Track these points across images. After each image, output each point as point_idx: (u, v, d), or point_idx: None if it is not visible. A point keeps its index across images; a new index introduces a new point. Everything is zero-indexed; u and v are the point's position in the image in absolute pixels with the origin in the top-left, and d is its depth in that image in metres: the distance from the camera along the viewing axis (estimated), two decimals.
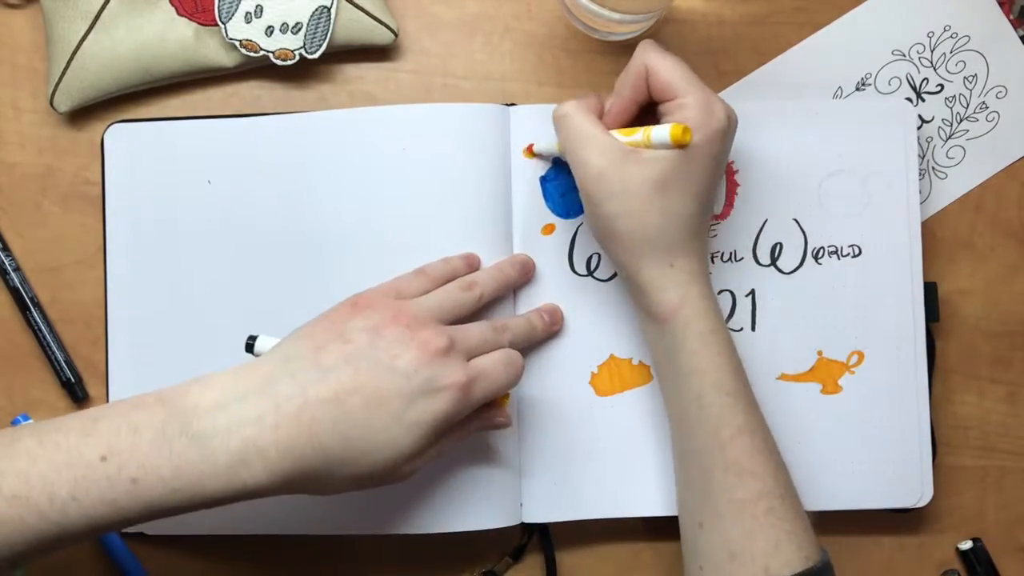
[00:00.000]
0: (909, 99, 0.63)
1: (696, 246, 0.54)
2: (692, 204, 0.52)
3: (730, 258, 0.61)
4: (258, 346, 0.54)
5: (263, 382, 0.46)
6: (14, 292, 0.62)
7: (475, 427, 0.53)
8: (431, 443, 0.49)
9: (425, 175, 0.58)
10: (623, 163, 0.52)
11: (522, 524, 0.60)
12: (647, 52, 0.53)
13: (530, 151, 0.60)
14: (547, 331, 0.59)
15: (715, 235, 0.61)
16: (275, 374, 0.47)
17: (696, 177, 0.52)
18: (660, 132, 0.51)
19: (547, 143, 0.59)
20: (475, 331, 0.52)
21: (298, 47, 0.60)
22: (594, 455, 0.60)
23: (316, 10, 0.60)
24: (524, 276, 0.59)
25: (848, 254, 0.61)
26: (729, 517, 0.52)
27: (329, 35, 0.60)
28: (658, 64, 0.53)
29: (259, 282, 0.60)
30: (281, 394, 0.46)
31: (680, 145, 0.51)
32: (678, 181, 0.52)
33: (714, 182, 0.54)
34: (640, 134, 0.52)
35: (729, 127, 0.53)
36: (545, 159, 0.60)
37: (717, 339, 0.53)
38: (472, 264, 0.58)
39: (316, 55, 0.60)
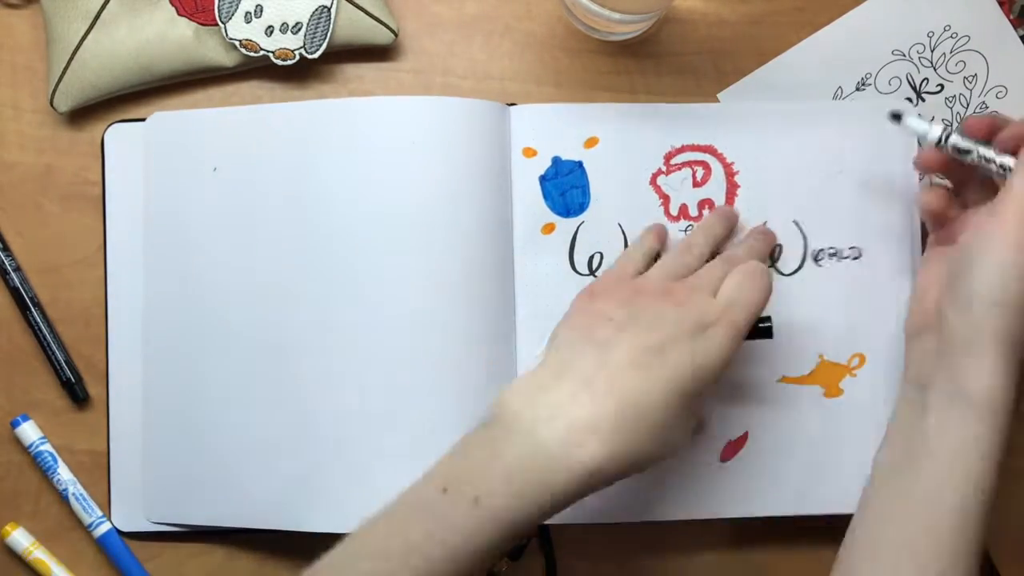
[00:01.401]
0: (909, 99, 0.63)
1: None
2: None
3: None
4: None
5: (560, 368, 0.47)
6: (14, 292, 0.62)
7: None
8: (716, 379, 0.48)
9: (425, 168, 0.58)
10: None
11: None
12: None
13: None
14: (760, 250, 0.58)
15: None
16: (567, 361, 0.47)
17: None
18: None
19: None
20: (705, 273, 0.53)
21: (298, 47, 0.60)
22: None
23: (316, 10, 0.60)
24: (727, 228, 0.59)
25: (848, 256, 0.61)
26: None
27: (329, 35, 0.60)
28: None
29: (261, 277, 0.59)
30: (584, 371, 0.46)
31: None
32: None
33: None
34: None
35: None
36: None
37: (1004, 444, 0.50)
38: (663, 235, 0.59)
39: (316, 55, 0.60)
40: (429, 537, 0.43)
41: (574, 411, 0.45)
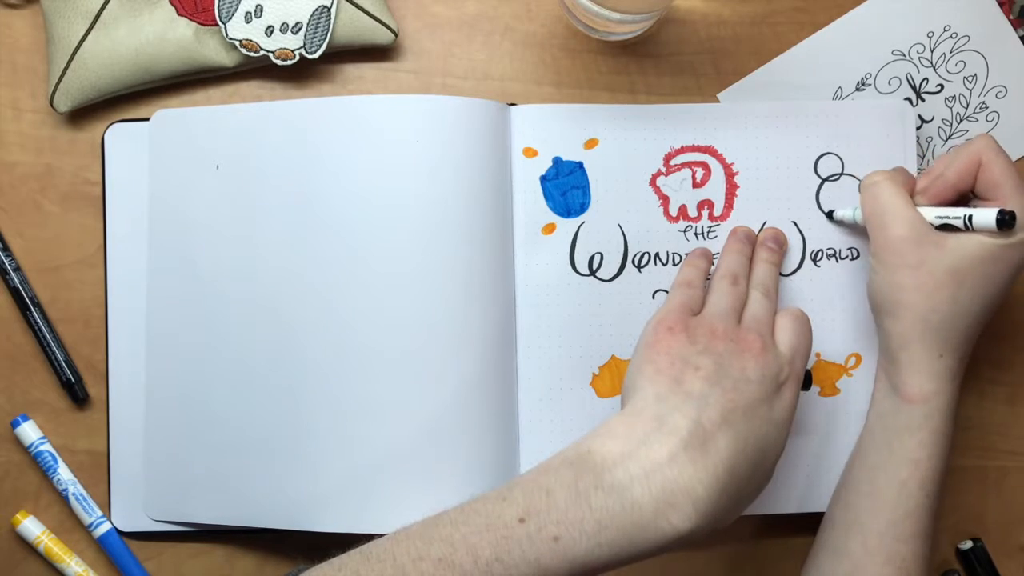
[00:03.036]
0: (909, 99, 0.63)
1: (966, 348, 0.56)
2: (981, 304, 0.54)
3: None
4: None
5: (656, 423, 0.46)
6: (14, 292, 0.62)
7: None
8: (787, 436, 0.50)
9: (426, 167, 0.58)
10: (925, 242, 0.54)
11: None
12: (985, 146, 0.55)
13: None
14: (782, 258, 0.60)
15: (715, 237, 0.61)
16: (661, 415, 0.47)
17: (993, 279, 0.54)
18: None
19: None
20: (759, 312, 0.54)
21: (298, 47, 0.60)
22: None
23: (316, 10, 0.59)
24: (752, 248, 0.60)
25: (847, 256, 0.61)
26: None
27: (329, 35, 0.60)
28: (994, 161, 0.54)
29: (262, 275, 0.59)
30: (679, 429, 0.46)
31: (1002, 227, 0.52)
32: (975, 277, 0.53)
33: (1006, 290, 0.55)
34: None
35: None
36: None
37: (945, 442, 0.55)
38: (709, 257, 0.60)
39: (316, 55, 0.60)
40: (499, 561, 0.43)
41: (671, 473, 0.44)
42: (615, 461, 0.45)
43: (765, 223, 0.61)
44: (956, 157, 0.56)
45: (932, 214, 0.55)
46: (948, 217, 0.54)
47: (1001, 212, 0.52)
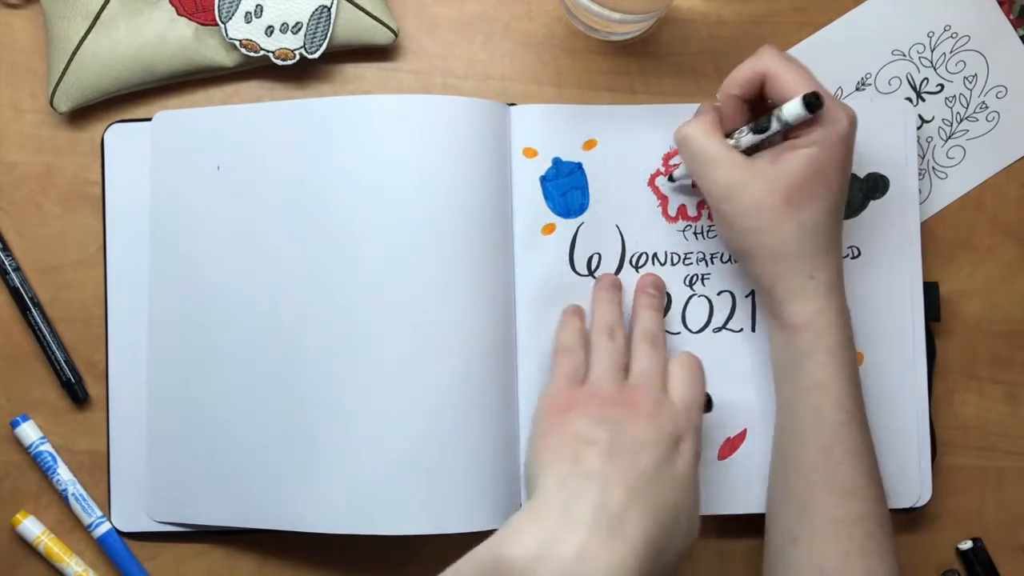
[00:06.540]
0: (909, 99, 0.63)
1: (833, 257, 0.54)
2: (823, 214, 0.53)
3: (730, 259, 0.61)
4: None
5: (562, 515, 0.46)
6: (14, 292, 0.62)
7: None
8: (696, 484, 0.50)
9: (426, 167, 0.58)
10: (750, 180, 0.53)
11: None
12: (769, 58, 0.53)
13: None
14: (662, 304, 0.60)
15: (715, 236, 0.61)
16: (566, 502, 0.46)
17: (824, 187, 0.53)
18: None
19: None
20: (648, 366, 0.53)
21: (298, 47, 0.60)
22: None
23: (316, 10, 0.60)
24: (620, 294, 0.59)
25: (847, 255, 0.61)
26: (827, 536, 0.52)
27: (329, 35, 0.60)
28: (783, 69, 0.53)
29: (263, 276, 0.59)
30: (586, 518, 0.45)
31: (812, 109, 0.51)
32: (806, 193, 0.52)
33: (843, 190, 0.54)
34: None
35: (850, 130, 0.53)
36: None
37: (845, 355, 0.54)
38: (581, 313, 0.59)
39: (316, 55, 0.60)
40: None
41: (586, 568, 0.43)
42: (525, 568, 0.44)
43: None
44: (736, 74, 0.54)
45: (744, 139, 0.54)
46: (757, 128, 0.53)
47: (804, 96, 0.51)
